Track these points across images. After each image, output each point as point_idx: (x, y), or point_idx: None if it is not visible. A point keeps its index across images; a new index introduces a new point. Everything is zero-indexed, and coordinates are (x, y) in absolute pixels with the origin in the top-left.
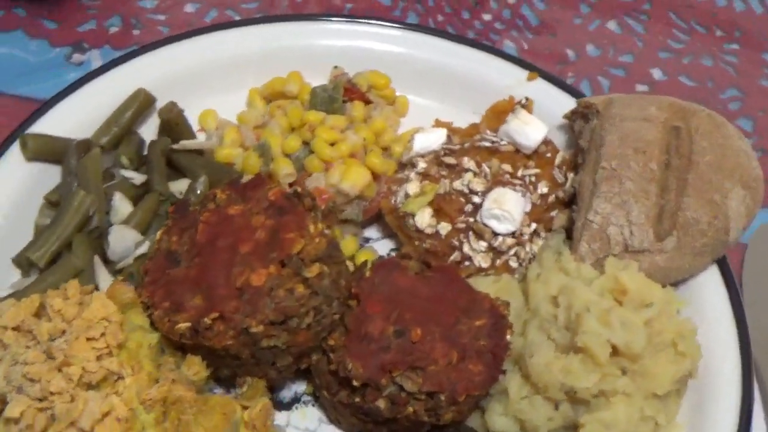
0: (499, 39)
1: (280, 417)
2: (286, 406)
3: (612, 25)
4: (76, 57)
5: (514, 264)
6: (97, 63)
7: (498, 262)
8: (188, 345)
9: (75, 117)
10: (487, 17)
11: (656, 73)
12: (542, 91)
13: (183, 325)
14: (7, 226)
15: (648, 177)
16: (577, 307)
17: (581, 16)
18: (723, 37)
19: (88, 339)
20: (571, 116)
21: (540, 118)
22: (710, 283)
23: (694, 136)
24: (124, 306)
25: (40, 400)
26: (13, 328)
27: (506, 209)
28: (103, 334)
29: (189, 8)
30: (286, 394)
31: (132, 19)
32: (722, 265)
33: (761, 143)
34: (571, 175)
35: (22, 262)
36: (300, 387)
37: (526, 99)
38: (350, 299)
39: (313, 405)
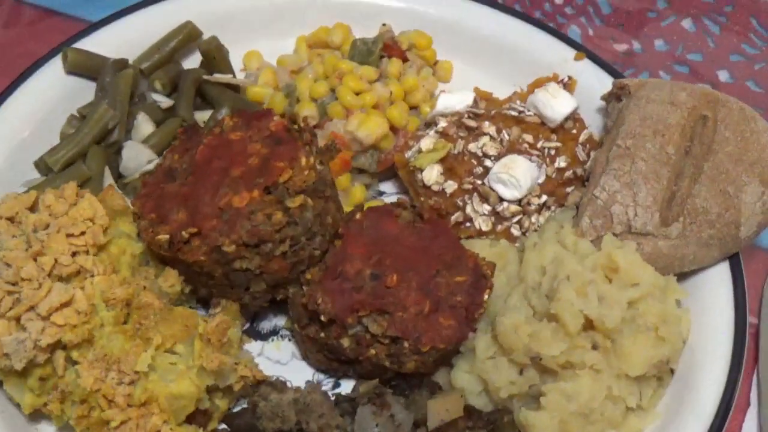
0: (565, 23)
1: (255, 346)
2: (263, 336)
3: (687, 23)
4: None
5: (516, 232)
6: None
7: (499, 227)
8: (168, 258)
9: (121, 40)
10: (558, 1)
11: (723, 75)
12: (587, 72)
13: (162, 237)
14: (38, 133)
15: (663, 160)
16: (559, 276)
17: (656, 11)
18: None
19: (68, 235)
20: (608, 97)
21: (582, 99)
22: (716, 280)
23: (718, 126)
24: (114, 212)
25: (12, 284)
26: (7, 218)
27: (514, 174)
28: (83, 233)
29: None
30: (266, 325)
31: None
32: (734, 264)
33: None
34: (593, 154)
35: (41, 166)
36: (280, 321)
37: (569, 78)
38: (336, 239)
39: (290, 340)
